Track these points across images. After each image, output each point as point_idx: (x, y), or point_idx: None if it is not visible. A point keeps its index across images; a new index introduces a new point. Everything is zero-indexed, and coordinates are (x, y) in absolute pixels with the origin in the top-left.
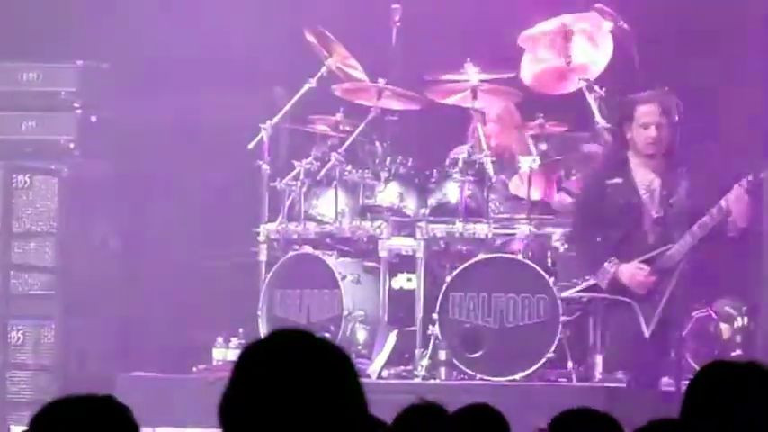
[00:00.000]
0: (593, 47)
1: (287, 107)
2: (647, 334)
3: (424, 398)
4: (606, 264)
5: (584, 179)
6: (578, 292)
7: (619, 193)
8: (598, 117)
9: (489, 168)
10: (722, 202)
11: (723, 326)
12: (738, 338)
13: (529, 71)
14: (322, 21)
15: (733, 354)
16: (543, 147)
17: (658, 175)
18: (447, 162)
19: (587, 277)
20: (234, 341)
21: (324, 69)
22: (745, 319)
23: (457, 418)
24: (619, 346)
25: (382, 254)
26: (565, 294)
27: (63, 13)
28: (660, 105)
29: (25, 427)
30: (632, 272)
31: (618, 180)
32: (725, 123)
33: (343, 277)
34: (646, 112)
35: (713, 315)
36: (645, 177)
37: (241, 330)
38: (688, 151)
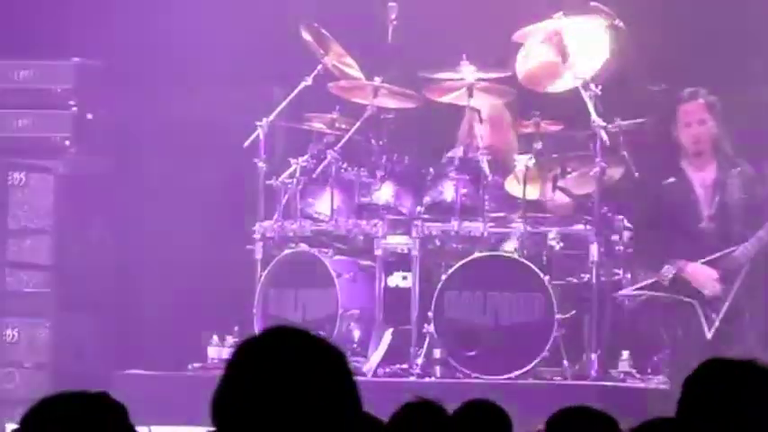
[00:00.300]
0: (588, 45)
1: (283, 105)
2: (708, 336)
3: (420, 396)
4: (669, 262)
5: (639, 179)
6: (638, 289)
7: (674, 192)
8: (594, 115)
9: (485, 167)
10: None
11: None
12: None
13: (523, 68)
14: (318, 18)
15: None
16: (539, 145)
17: (709, 174)
18: (443, 161)
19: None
20: (229, 339)
21: (320, 67)
22: None
23: (460, 415)
24: (678, 347)
25: (378, 252)
26: (623, 292)
27: (58, 10)
28: (705, 103)
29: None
30: (700, 272)
31: (672, 179)
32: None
33: (339, 275)
34: (688, 110)
35: None
36: (696, 176)
37: (236, 328)
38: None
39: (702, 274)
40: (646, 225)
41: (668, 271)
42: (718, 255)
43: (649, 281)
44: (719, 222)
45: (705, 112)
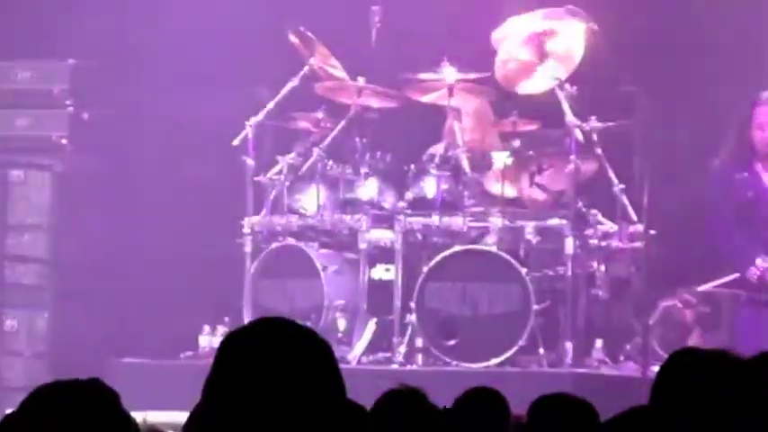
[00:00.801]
0: (564, 46)
1: (270, 105)
2: None
3: (404, 383)
4: (759, 260)
5: (710, 174)
6: (719, 286)
7: (747, 187)
8: (569, 115)
9: (464, 164)
10: None
11: (686, 311)
12: (699, 324)
13: (501, 69)
14: (304, 21)
15: (692, 336)
16: (516, 143)
17: None
18: (424, 158)
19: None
20: (220, 329)
21: (306, 68)
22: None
23: (463, 400)
24: (751, 344)
25: (362, 246)
26: (702, 288)
27: (54, 12)
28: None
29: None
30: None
31: (744, 174)
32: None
33: (325, 268)
34: (762, 112)
35: (678, 302)
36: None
37: (227, 319)
38: None
39: None
40: (728, 220)
41: (758, 268)
42: None
43: (733, 276)
44: None
45: None
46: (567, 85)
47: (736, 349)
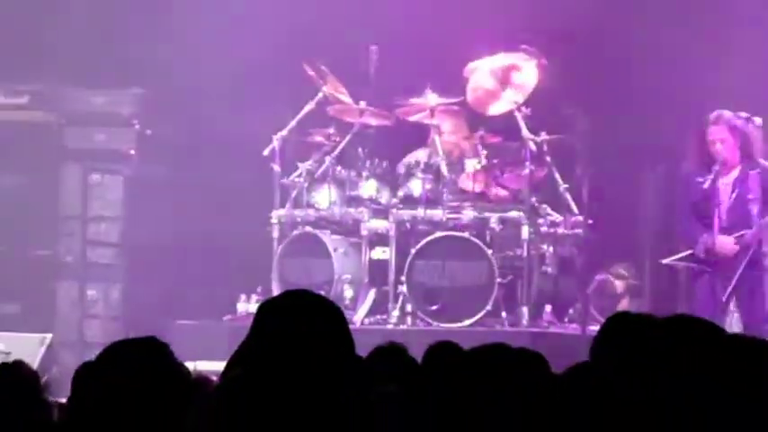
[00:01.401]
0: (521, 77)
1: (292, 123)
2: (723, 299)
3: (391, 340)
4: (705, 236)
5: (683, 181)
6: (676, 260)
7: (702, 188)
8: (525, 131)
9: (443, 168)
10: None
11: (617, 283)
12: (627, 293)
13: (471, 95)
14: (319, 57)
15: (622, 302)
16: (484, 153)
17: (733, 178)
18: (410, 163)
19: None
20: (253, 297)
21: (320, 95)
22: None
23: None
24: (699, 307)
25: (364, 232)
26: (665, 261)
27: (124, 51)
28: (726, 125)
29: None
30: (726, 245)
31: (702, 178)
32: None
33: (335, 250)
34: (713, 131)
35: (610, 276)
36: (724, 179)
37: (259, 289)
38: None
39: (727, 247)
40: (683, 210)
41: (704, 242)
42: (737, 234)
43: (686, 252)
44: (734, 213)
45: (726, 132)
46: (523, 108)
47: (691, 311)
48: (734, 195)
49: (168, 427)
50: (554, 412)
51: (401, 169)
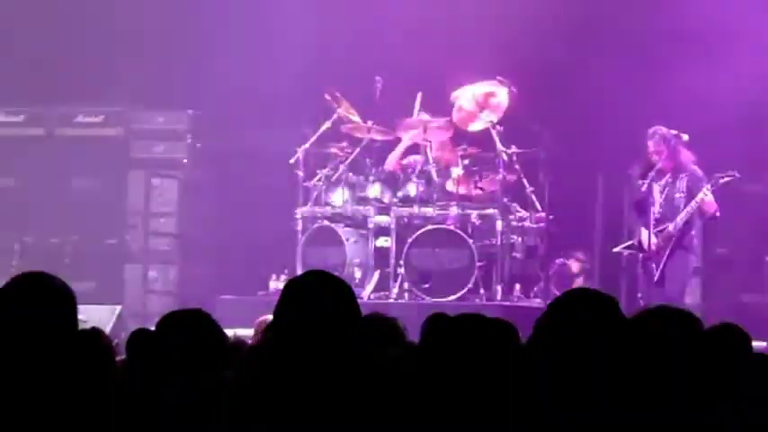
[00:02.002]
0: (495, 102)
1: (313, 138)
2: (655, 279)
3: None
4: (642, 229)
5: (627, 184)
6: (622, 248)
7: (643, 190)
8: (499, 145)
9: (433, 174)
10: (695, 201)
11: (573, 265)
12: (581, 274)
13: (456, 115)
14: (335, 85)
15: (576, 281)
16: (466, 162)
17: (665, 181)
18: (408, 169)
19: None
20: (282, 277)
21: (335, 115)
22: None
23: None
24: (637, 285)
25: (370, 225)
26: (615, 249)
27: (179, 79)
28: (660, 139)
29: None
30: (650, 238)
31: (643, 181)
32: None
33: (347, 239)
34: (652, 143)
35: (567, 261)
36: (658, 183)
37: (286, 270)
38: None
39: (652, 240)
40: (631, 208)
41: (641, 235)
42: (661, 227)
43: (630, 242)
44: (665, 210)
45: (660, 145)
46: (497, 126)
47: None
48: (664, 195)
49: (211, 379)
50: (520, 364)
51: (400, 174)
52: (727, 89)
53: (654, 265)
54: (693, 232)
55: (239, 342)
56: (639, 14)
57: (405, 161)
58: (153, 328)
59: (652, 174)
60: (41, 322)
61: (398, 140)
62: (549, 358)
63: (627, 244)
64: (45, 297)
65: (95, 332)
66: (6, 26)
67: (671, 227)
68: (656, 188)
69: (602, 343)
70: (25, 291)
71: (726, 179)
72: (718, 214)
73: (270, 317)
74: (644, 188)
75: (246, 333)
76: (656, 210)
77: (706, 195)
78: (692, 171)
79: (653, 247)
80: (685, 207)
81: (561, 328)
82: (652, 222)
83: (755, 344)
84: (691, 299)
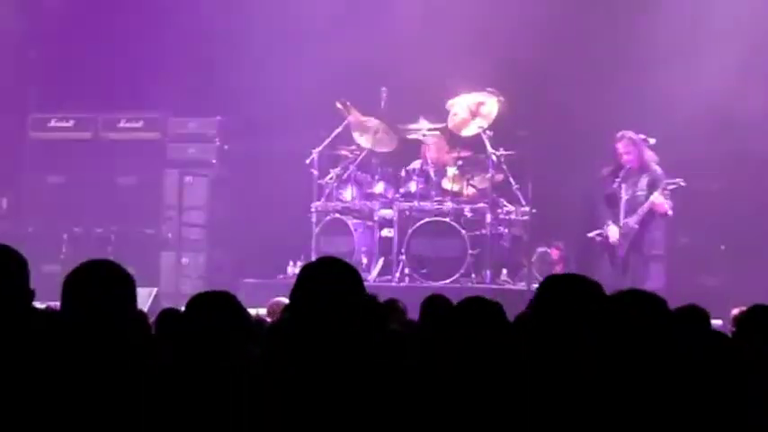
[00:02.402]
0: (486, 110)
1: (326, 141)
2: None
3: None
4: (609, 222)
5: (598, 181)
6: (596, 234)
7: (612, 187)
8: (489, 148)
9: (431, 174)
10: (647, 202)
11: (553, 252)
12: (560, 261)
13: (451, 122)
14: (346, 95)
15: (556, 267)
16: (460, 162)
17: (631, 180)
18: (409, 169)
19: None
20: (298, 263)
21: (346, 121)
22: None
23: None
24: (604, 270)
25: (376, 218)
26: (589, 234)
27: (210, 89)
28: (629, 141)
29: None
30: (614, 231)
31: (612, 179)
32: (560, 149)
33: (355, 230)
34: (621, 145)
35: (548, 249)
36: (624, 181)
37: (302, 257)
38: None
39: (615, 233)
40: (600, 203)
41: (606, 228)
42: (621, 222)
43: (598, 231)
44: (629, 205)
45: (628, 147)
46: (487, 131)
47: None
48: (630, 192)
49: (238, 354)
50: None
51: (403, 173)
52: (691, 95)
53: (618, 254)
54: (650, 227)
55: (260, 320)
56: (610, 34)
57: (411, 166)
58: (183, 308)
59: (621, 173)
60: (111, 303)
61: (401, 144)
62: (544, 329)
63: (597, 231)
64: (113, 281)
65: (142, 313)
66: (59, 43)
67: (630, 222)
68: (625, 186)
69: (589, 317)
70: (96, 274)
71: (673, 185)
72: (669, 213)
73: (281, 299)
74: (614, 186)
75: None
76: (624, 205)
77: (656, 198)
78: (653, 170)
79: (617, 239)
80: (646, 203)
81: (555, 304)
82: (622, 215)
83: (713, 322)
84: (655, 284)
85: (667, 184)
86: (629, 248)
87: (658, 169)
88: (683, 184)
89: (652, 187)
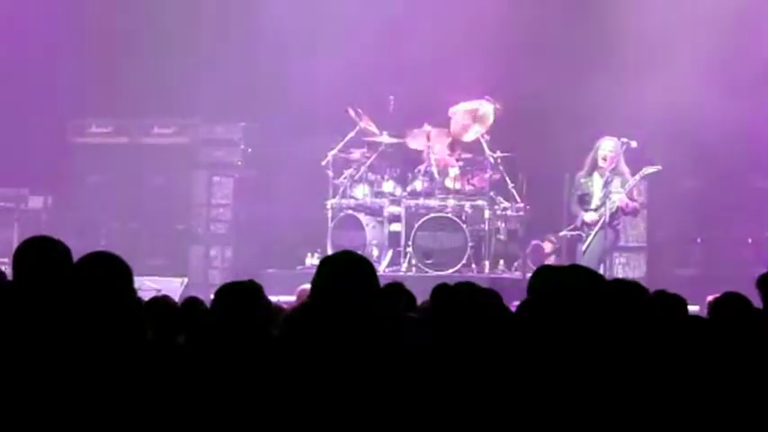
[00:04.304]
0: (484, 116)
1: (340, 144)
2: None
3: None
4: (582, 213)
5: (566, 180)
6: (568, 231)
7: (585, 186)
8: (487, 150)
9: (435, 173)
10: (612, 202)
11: (546, 245)
12: (552, 252)
13: (452, 127)
14: (358, 103)
15: (549, 258)
16: (460, 163)
17: (605, 180)
18: (416, 170)
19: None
20: (315, 255)
21: (358, 127)
22: (554, 243)
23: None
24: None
25: (385, 214)
26: (561, 233)
27: (235, 98)
28: (610, 147)
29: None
30: (592, 218)
31: (586, 179)
32: (549, 153)
33: (367, 225)
34: (599, 147)
35: (541, 242)
36: (600, 181)
37: (319, 249)
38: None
39: (592, 215)
40: (572, 197)
41: (581, 219)
42: (601, 212)
43: (573, 225)
44: (602, 203)
45: (609, 152)
46: (486, 135)
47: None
48: (604, 191)
49: (261, 336)
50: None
51: (409, 174)
52: (669, 98)
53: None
54: (616, 223)
55: (278, 308)
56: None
57: (417, 168)
58: (212, 296)
59: (596, 174)
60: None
61: (408, 147)
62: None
63: (571, 227)
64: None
65: (165, 298)
66: (96, 55)
67: (600, 218)
68: (598, 185)
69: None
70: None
71: (652, 171)
72: (638, 208)
73: (308, 285)
74: (589, 185)
75: (288, 299)
76: (594, 204)
77: (621, 199)
78: (623, 173)
79: (594, 220)
80: (615, 201)
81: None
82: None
83: (689, 307)
84: (636, 274)
85: (634, 187)
86: (606, 242)
87: (628, 173)
88: (659, 168)
89: (622, 188)
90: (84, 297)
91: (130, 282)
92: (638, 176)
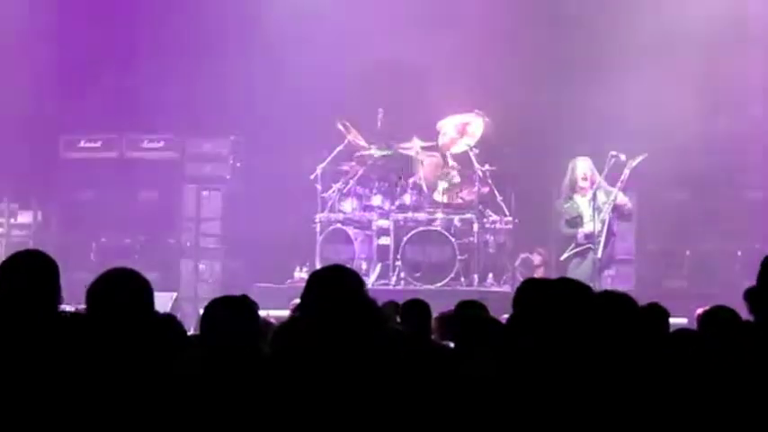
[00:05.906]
0: (472, 129)
1: (328, 159)
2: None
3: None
4: (579, 230)
5: (555, 200)
6: (570, 253)
7: (572, 210)
8: (475, 164)
9: (424, 187)
10: (606, 205)
11: (535, 258)
12: (541, 265)
13: (441, 140)
14: (346, 116)
15: (538, 271)
16: (449, 177)
17: (588, 198)
18: (404, 184)
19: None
20: (304, 269)
21: (346, 141)
22: (543, 255)
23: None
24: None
25: (374, 228)
26: (562, 257)
27: (224, 113)
28: (587, 167)
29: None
30: (592, 228)
31: (569, 203)
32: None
33: (355, 238)
34: (575, 168)
35: (530, 255)
36: (582, 199)
37: (308, 263)
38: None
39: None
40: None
41: (581, 236)
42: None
43: (573, 244)
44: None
45: (587, 171)
46: (474, 149)
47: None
48: (592, 205)
49: (252, 350)
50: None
51: (398, 188)
52: (658, 112)
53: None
54: (618, 232)
55: (268, 322)
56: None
57: (411, 180)
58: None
59: (576, 196)
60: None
61: (396, 161)
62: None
63: (572, 247)
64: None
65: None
66: (86, 70)
67: (602, 225)
68: (585, 205)
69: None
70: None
71: (640, 159)
72: (631, 210)
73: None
74: (576, 207)
75: (277, 313)
76: (586, 219)
77: (616, 198)
78: (604, 186)
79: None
80: (605, 213)
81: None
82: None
83: (678, 320)
84: (625, 286)
85: (625, 181)
86: (604, 251)
87: (606, 185)
88: (646, 155)
89: (608, 198)
90: (116, 317)
91: (152, 298)
92: (627, 170)
